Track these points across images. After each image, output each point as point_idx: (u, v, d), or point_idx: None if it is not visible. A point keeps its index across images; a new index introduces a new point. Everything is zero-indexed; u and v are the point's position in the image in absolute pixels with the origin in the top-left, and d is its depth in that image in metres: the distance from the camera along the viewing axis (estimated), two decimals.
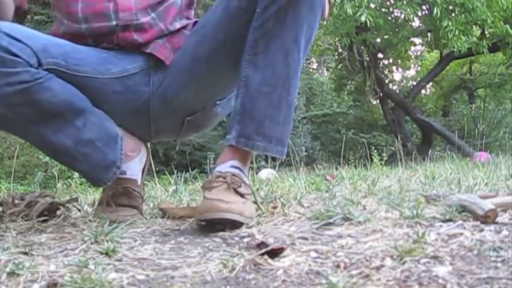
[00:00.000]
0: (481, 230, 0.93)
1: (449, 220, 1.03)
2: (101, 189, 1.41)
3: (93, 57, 1.21)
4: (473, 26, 7.05)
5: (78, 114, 1.15)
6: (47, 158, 6.29)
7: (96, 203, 1.41)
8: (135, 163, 1.32)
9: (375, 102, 11.53)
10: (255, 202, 1.30)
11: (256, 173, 3.72)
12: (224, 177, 1.12)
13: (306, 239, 0.93)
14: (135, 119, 1.29)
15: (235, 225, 1.06)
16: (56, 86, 1.11)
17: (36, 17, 6.99)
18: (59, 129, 1.02)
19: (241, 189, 1.11)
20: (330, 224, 1.04)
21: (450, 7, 6.68)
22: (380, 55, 10.44)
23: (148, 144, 1.44)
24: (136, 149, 1.34)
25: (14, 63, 1.04)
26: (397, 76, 13.36)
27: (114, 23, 1.22)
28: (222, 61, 1.23)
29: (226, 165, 1.17)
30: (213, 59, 1.23)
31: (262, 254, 0.81)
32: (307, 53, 1.20)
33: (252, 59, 1.14)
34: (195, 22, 1.34)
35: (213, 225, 1.07)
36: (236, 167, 1.16)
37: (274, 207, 1.28)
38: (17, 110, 0.83)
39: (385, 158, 4.52)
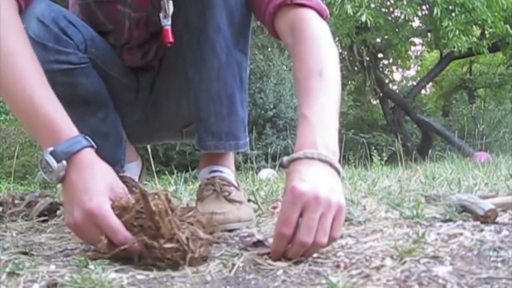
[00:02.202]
0: (481, 230, 0.93)
1: (449, 220, 1.03)
2: None
3: (121, 64, 1.26)
4: (473, 26, 7.05)
5: (101, 107, 1.18)
6: None
7: None
8: (133, 166, 1.36)
9: (375, 102, 11.54)
10: (255, 202, 1.31)
11: (256, 173, 3.72)
12: (213, 184, 1.14)
13: None
14: (137, 127, 1.33)
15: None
16: (92, 75, 1.15)
17: None
18: (82, 117, 1.04)
19: (232, 196, 1.12)
20: None
21: (450, 7, 6.68)
22: (380, 55, 10.45)
23: (148, 145, 1.46)
24: (134, 156, 1.37)
25: (66, 44, 1.09)
26: (397, 76, 13.38)
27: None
28: None
29: (206, 171, 1.19)
30: None
31: (262, 255, 0.81)
32: (248, 38, 1.16)
33: (191, 60, 1.13)
34: None
35: None
36: (216, 171, 1.18)
37: (274, 207, 1.29)
38: (53, 89, 0.88)
39: (385, 158, 4.52)
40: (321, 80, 0.90)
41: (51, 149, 0.84)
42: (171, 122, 1.37)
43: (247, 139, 1.21)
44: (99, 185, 0.82)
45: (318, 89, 0.90)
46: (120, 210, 0.79)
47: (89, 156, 0.86)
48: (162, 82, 1.30)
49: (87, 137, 0.88)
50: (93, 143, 0.88)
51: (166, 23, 1.15)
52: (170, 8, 1.14)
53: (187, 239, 0.76)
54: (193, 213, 0.84)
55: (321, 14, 1.02)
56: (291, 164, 0.81)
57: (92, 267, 0.75)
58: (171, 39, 1.16)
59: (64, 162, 0.84)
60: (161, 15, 1.15)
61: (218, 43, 1.09)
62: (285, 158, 0.82)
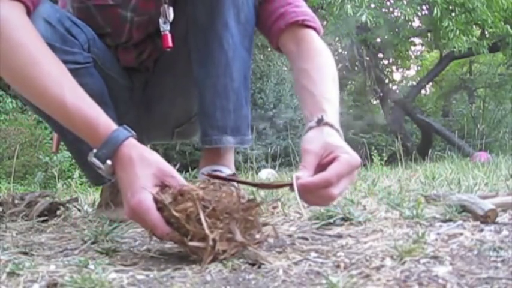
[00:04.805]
0: (481, 230, 0.93)
1: (449, 220, 1.03)
2: (100, 189, 1.42)
3: (117, 64, 1.27)
4: (473, 26, 7.06)
5: (103, 106, 1.17)
6: (47, 158, 6.30)
7: (96, 204, 1.41)
8: None
9: (375, 102, 11.55)
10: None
11: (256, 173, 3.73)
12: (212, 184, 1.13)
13: (306, 239, 0.93)
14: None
15: None
16: (95, 74, 1.16)
17: None
18: None
19: None
20: (330, 224, 1.04)
21: (450, 7, 6.69)
22: (380, 55, 10.46)
23: (148, 146, 1.46)
24: None
25: (72, 44, 1.10)
26: (397, 76, 13.40)
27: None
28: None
29: (206, 171, 1.18)
30: (188, 71, 1.21)
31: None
32: (253, 38, 1.18)
33: (197, 57, 1.14)
34: None
35: None
36: (216, 170, 1.18)
37: (274, 207, 1.28)
38: None
39: (385, 158, 4.51)
40: (333, 83, 1.09)
41: (94, 151, 0.87)
42: (164, 122, 1.37)
43: (251, 136, 1.22)
44: (141, 179, 0.83)
45: (333, 89, 1.08)
46: (163, 204, 0.80)
47: (129, 149, 0.86)
48: (155, 82, 1.31)
49: (125, 126, 0.89)
50: (132, 132, 0.89)
51: (166, 28, 1.17)
52: (171, 14, 1.16)
53: (214, 240, 0.76)
54: (244, 207, 0.82)
55: (319, 34, 1.17)
56: (327, 126, 0.93)
57: (92, 267, 0.75)
58: (170, 44, 1.17)
59: (109, 162, 0.86)
60: (161, 20, 1.17)
61: (226, 39, 1.11)
62: (324, 117, 0.94)
